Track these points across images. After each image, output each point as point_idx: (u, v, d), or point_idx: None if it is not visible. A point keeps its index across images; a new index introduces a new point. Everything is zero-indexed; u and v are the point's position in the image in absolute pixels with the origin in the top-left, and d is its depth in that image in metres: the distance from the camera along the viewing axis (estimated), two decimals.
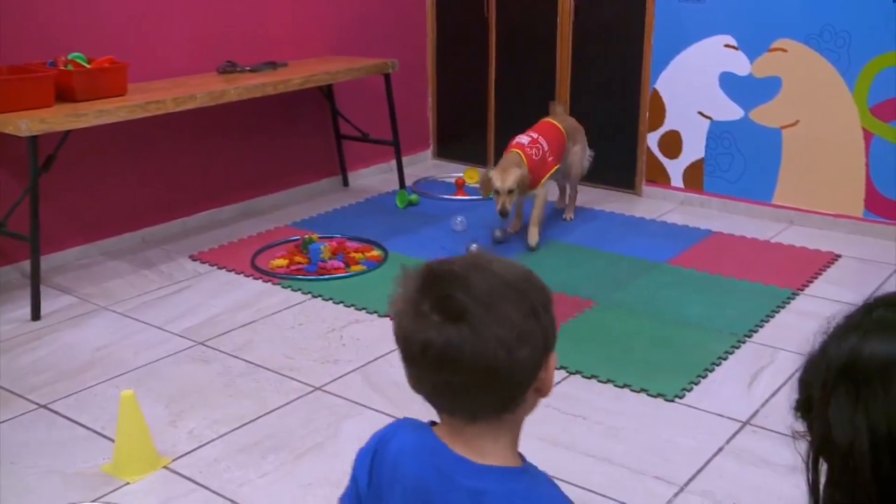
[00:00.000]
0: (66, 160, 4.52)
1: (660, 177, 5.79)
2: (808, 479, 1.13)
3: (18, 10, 4.45)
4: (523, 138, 4.96)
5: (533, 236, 4.90)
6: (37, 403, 3.45)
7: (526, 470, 1.31)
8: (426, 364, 1.23)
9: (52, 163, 4.30)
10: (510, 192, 4.69)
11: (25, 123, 3.98)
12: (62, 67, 4.36)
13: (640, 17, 5.62)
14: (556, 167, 5.07)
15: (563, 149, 5.15)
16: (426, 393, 1.29)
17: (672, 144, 5.70)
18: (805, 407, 1.15)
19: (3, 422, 3.33)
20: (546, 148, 4.95)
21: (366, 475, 1.35)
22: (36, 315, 4.20)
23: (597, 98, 5.95)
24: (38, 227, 4.18)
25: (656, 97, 5.68)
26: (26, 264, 4.42)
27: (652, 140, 5.77)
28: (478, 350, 1.18)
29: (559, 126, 5.17)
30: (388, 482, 1.33)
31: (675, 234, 5.17)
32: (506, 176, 4.71)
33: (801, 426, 1.16)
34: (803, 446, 1.14)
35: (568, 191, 5.55)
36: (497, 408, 1.26)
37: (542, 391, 1.30)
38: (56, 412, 3.38)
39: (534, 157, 4.87)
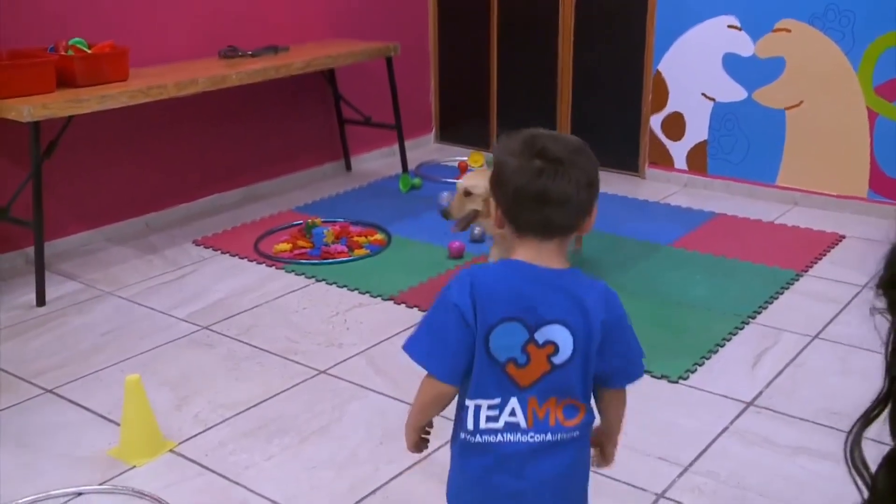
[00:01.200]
0: (69, 146, 4.54)
1: (663, 159, 5.79)
2: (886, 357, 1.12)
3: None
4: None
5: None
6: (43, 388, 3.47)
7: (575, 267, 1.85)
8: (527, 198, 1.73)
9: (54, 149, 4.31)
10: (467, 193, 4.00)
11: (27, 109, 3.99)
12: (63, 53, 4.36)
13: (643, 0, 5.61)
14: None
15: None
16: (520, 219, 1.78)
17: (675, 126, 5.70)
18: (890, 283, 1.13)
19: (10, 406, 3.35)
20: None
21: (469, 304, 1.77)
22: (41, 301, 4.21)
23: (599, 80, 5.95)
24: (41, 214, 4.20)
25: (659, 79, 5.67)
26: (30, 251, 4.44)
27: (655, 122, 5.77)
28: (565, 186, 1.72)
29: None
30: (489, 302, 1.77)
31: (679, 216, 5.17)
32: (470, 177, 4.09)
33: (881, 303, 1.14)
34: (882, 323, 1.12)
35: None
36: (565, 229, 1.78)
37: (584, 230, 1.83)
38: (62, 397, 3.40)
39: None
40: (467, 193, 4.00)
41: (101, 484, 2.87)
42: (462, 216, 4.02)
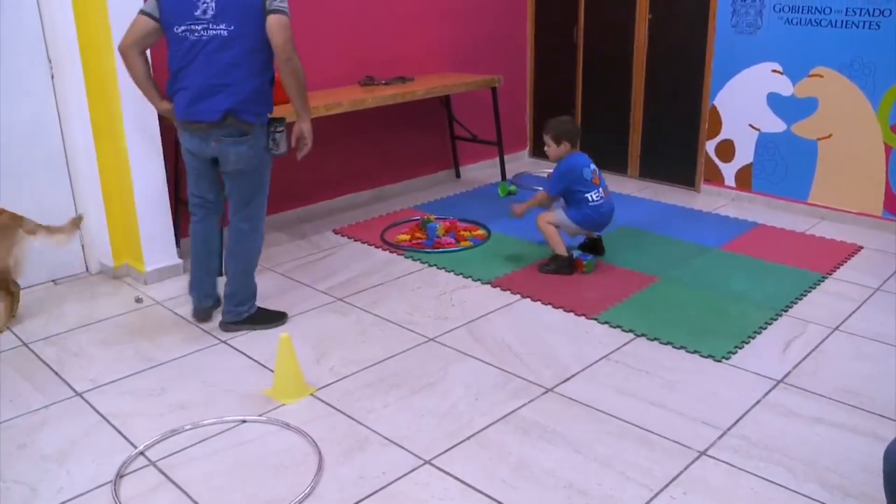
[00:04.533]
0: None
1: (715, 177, 5.68)
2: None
3: None
4: None
5: None
6: (219, 339, 3.59)
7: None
8: (575, 133, 4.33)
9: None
10: None
11: None
12: None
13: (702, 46, 5.50)
14: None
15: None
16: (573, 140, 4.28)
17: (726, 151, 5.58)
18: None
19: (196, 351, 3.49)
20: None
21: (572, 169, 4.24)
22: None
23: (665, 111, 5.86)
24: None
25: (714, 111, 5.55)
26: None
27: (710, 146, 5.65)
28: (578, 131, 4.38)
29: None
30: (577, 165, 4.25)
31: (727, 224, 5.06)
32: None
33: None
34: None
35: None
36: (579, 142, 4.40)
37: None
38: (233, 347, 3.52)
39: None
40: None
41: (259, 415, 2.97)
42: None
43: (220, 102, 3.29)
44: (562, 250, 4.24)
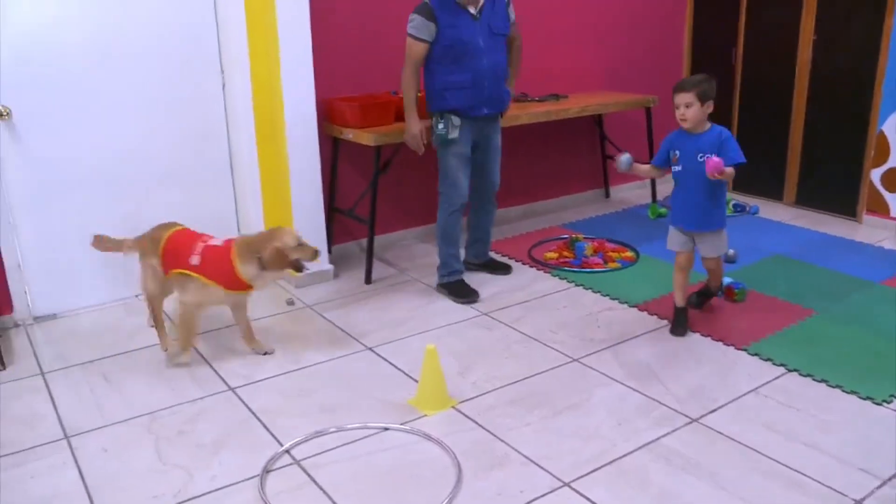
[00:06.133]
0: (398, 164, 4.73)
1: (880, 207, 5.34)
2: None
3: (372, 55, 4.69)
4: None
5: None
6: (365, 346, 3.65)
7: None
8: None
9: (388, 166, 4.51)
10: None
11: (373, 136, 4.22)
12: (400, 95, 4.55)
13: (872, 69, 5.19)
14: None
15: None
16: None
17: (894, 180, 5.24)
18: None
19: (342, 356, 3.56)
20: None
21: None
22: (368, 280, 4.43)
23: (827, 136, 5.56)
24: (374, 214, 4.42)
25: (882, 137, 5.23)
26: (364, 241, 4.69)
27: (875, 175, 5.33)
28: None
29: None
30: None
31: (891, 258, 4.73)
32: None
33: None
34: None
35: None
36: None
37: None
38: (378, 354, 3.57)
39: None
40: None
41: (401, 424, 2.99)
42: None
43: None
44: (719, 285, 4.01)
